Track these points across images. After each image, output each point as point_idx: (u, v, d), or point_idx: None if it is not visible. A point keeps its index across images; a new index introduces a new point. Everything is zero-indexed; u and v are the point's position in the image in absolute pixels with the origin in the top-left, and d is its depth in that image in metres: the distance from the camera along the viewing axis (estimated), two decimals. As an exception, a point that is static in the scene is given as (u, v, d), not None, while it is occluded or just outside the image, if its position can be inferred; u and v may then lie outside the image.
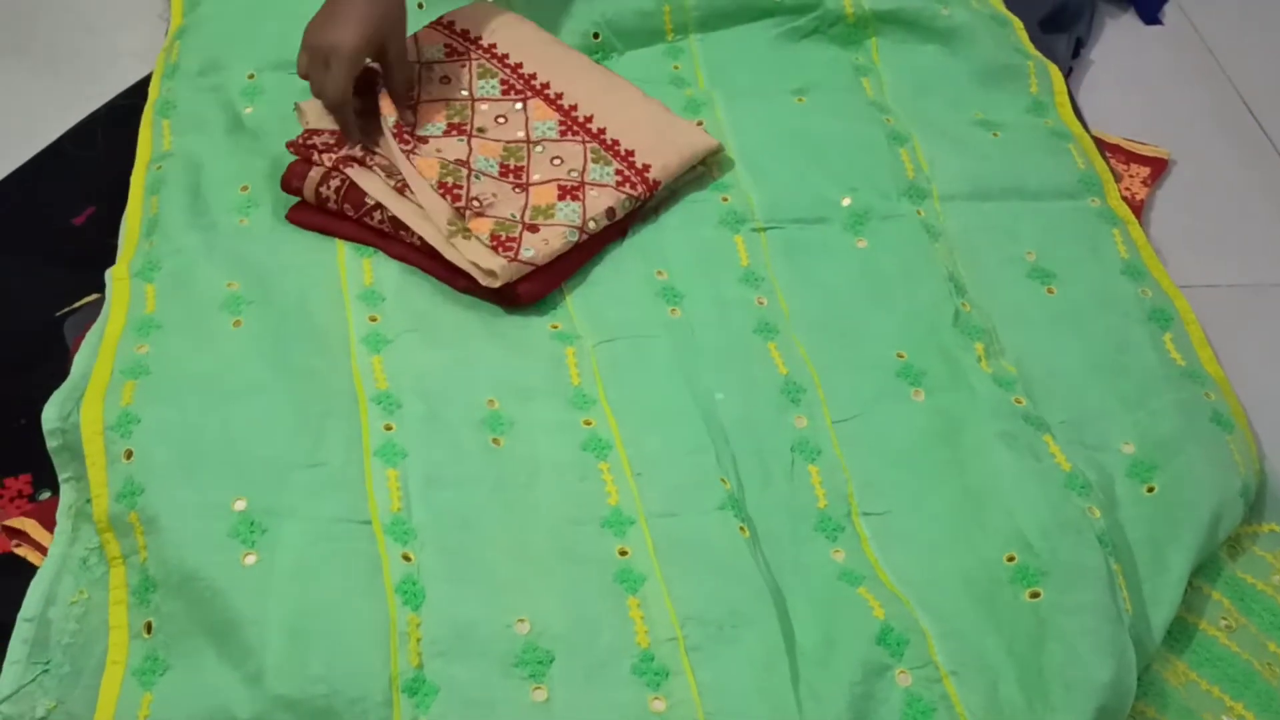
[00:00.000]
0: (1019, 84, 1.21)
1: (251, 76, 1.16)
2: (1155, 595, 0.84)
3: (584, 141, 1.07)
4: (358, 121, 1.03)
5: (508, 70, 1.13)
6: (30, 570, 0.83)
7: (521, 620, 0.77)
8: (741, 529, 0.83)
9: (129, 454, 0.83)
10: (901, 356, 0.96)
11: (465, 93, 1.11)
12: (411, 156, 1.02)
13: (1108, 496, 0.88)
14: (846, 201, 1.08)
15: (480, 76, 1.13)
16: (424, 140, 1.06)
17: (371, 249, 1.01)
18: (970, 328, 0.98)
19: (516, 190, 1.03)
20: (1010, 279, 1.04)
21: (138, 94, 1.19)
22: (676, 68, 1.21)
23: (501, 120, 1.10)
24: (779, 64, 1.22)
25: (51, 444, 0.86)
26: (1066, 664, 0.77)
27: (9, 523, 0.87)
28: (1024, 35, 1.27)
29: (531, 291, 0.97)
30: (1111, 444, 0.92)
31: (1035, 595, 0.80)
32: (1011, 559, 0.82)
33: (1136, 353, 0.98)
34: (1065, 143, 1.16)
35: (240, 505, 0.80)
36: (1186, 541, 0.86)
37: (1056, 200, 1.10)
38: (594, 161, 1.05)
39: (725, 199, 1.08)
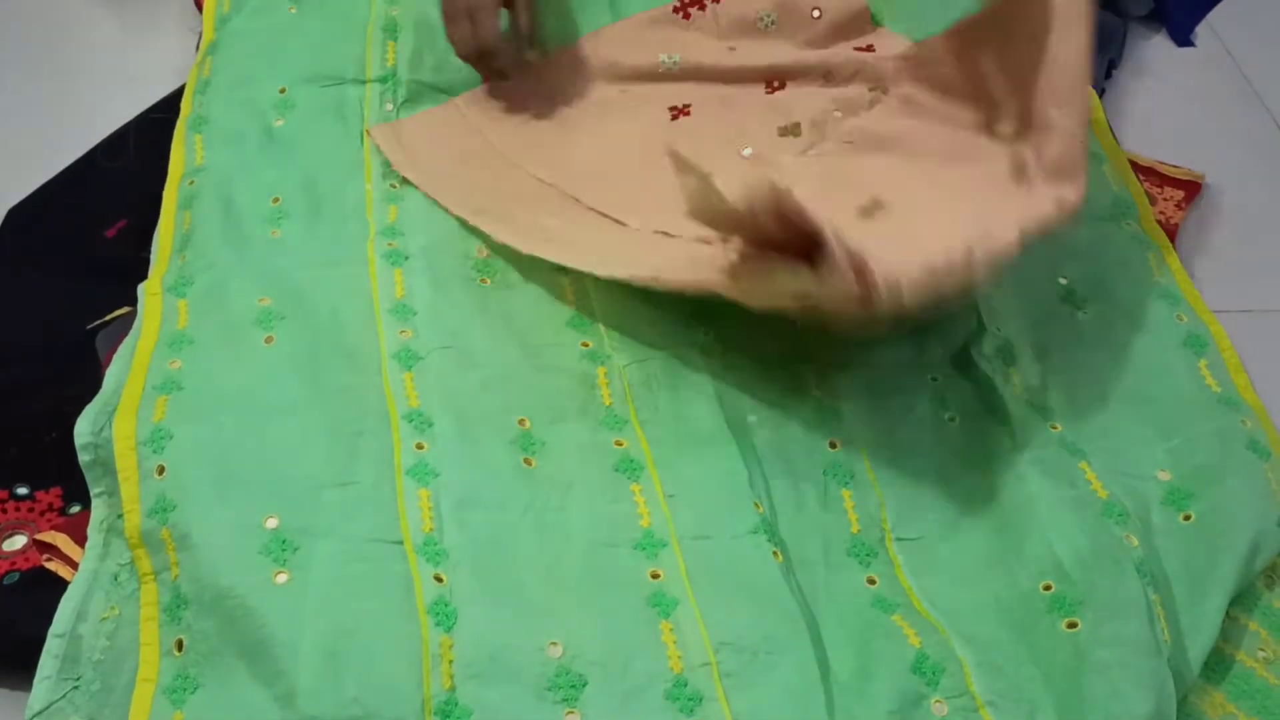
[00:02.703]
0: None
1: (283, 90, 1.16)
2: (1193, 625, 0.83)
3: None
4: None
5: None
6: (61, 585, 0.83)
7: (554, 643, 0.77)
8: (775, 553, 0.83)
9: (161, 470, 0.83)
10: (935, 380, 0.96)
11: None
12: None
13: (1144, 525, 0.87)
14: None
15: None
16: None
17: (404, 258, 1.01)
18: (1004, 352, 0.97)
19: None
20: (1044, 303, 1.03)
21: (169, 107, 1.20)
22: None
23: None
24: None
25: (84, 458, 0.86)
26: (1107, 698, 0.76)
27: (40, 537, 0.87)
28: None
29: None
30: (1147, 471, 0.91)
31: (1073, 625, 0.79)
32: (1048, 587, 0.82)
33: (1172, 379, 0.97)
34: (1099, 165, 1.15)
35: (272, 523, 0.80)
36: (1225, 571, 0.85)
37: (1090, 224, 1.09)
38: None
39: None
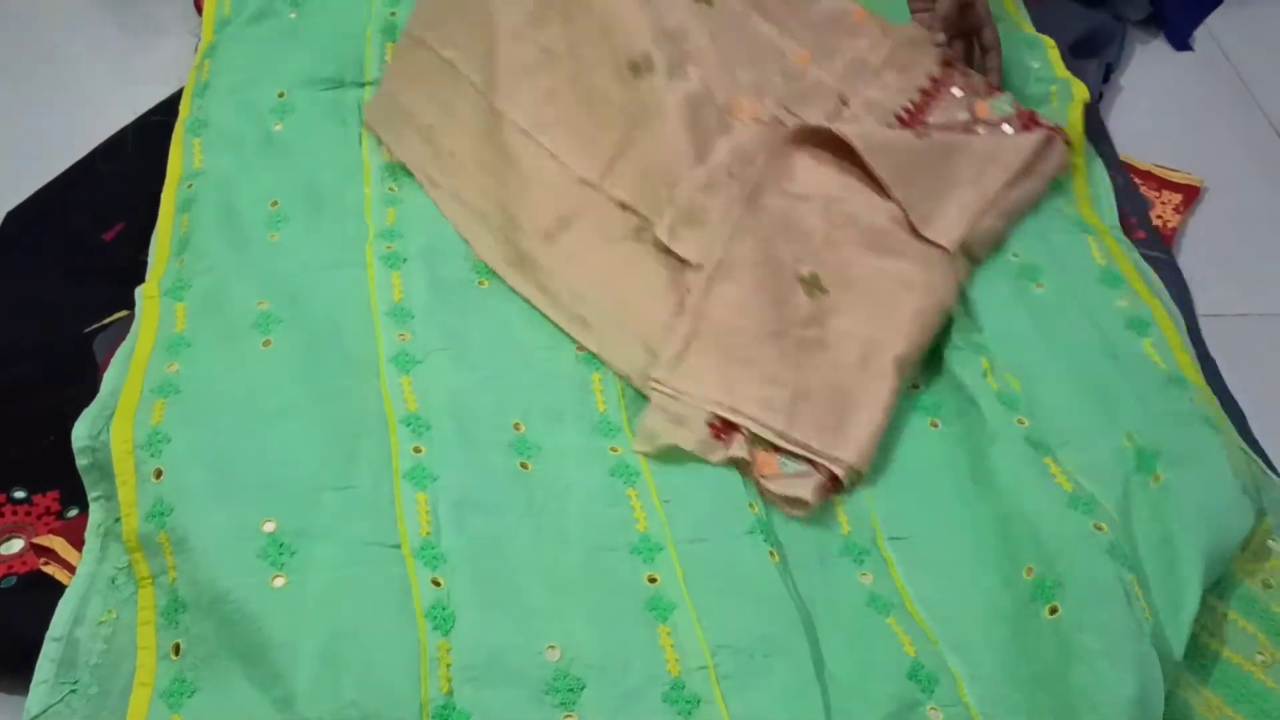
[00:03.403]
0: (1042, 110, 1.20)
1: (282, 94, 1.16)
2: (1172, 598, 0.83)
3: None
4: None
5: None
6: (58, 589, 0.83)
7: (552, 647, 0.77)
8: (771, 553, 0.83)
9: (159, 473, 0.83)
10: (916, 387, 0.97)
11: None
12: None
13: (1116, 506, 0.87)
14: None
15: None
16: None
17: (401, 260, 1.01)
18: (972, 342, 0.98)
19: None
20: (1001, 287, 1.03)
21: (168, 109, 1.20)
22: None
23: None
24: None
25: (81, 462, 0.86)
26: (1091, 686, 0.76)
27: (37, 540, 0.87)
28: (1055, 54, 1.25)
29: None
30: (1111, 454, 0.90)
31: (1054, 611, 0.80)
32: (1030, 571, 0.82)
33: (1121, 364, 0.97)
34: None
35: (270, 527, 0.80)
36: (1197, 538, 0.84)
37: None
38: None
39: None
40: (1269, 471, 0.95)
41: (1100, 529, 0.83)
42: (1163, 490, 0.87)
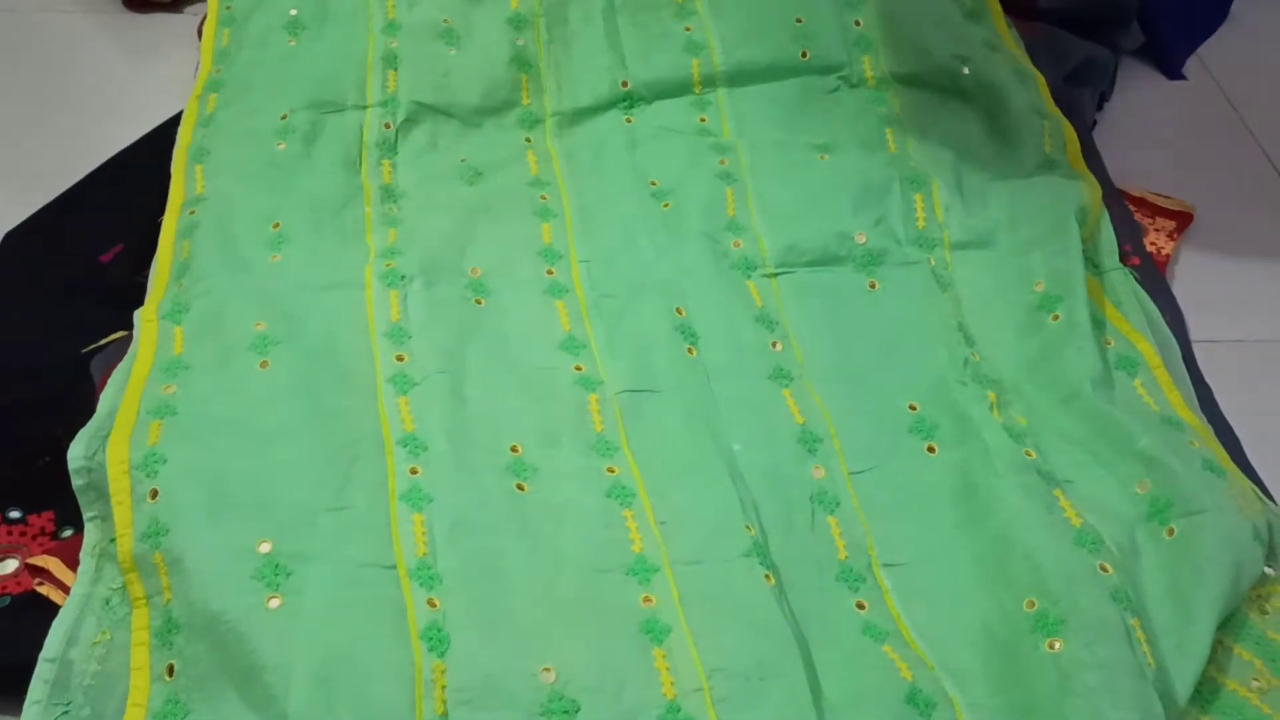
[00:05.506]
0: (1034, 142, 1.21)
1: (284, 117, 1.17)
2: (1181, 648, 0.83)
3: None
4: None
5: None
6: (52, 609, 0.83)
7: (547, 669, 0.76)
8: (767, 576, 0.83)
9: (154, 494, 0.83)
10: (914, 409, 0.97)
11: None
12: None
13: (1126, 549, 0.87)
14: (861, 239, 1.08)
15: None
16: None
17: (399, 277, 1.01)
18: (980, 377, 0.98)
19: None
20: (1015, 327, 1.03)
21: (167, 132, 1.20)
22: (703, 120, 1.22)
23: None
24: (804, 116, 1.22)
25: (77, 482, 0.86)
26: None
27: (32, 560, 0.86)
28: (1045, 91, 1.26)
29: None
30: (1124, 491, 0.91)
31: (1055, 646, 0.79)
32: (1031, 605, 0.82)
33: (1122, 403, 0.97)
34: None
35: (265, 548, 0.80)
36: (1212, 591, 0.85)
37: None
38: None
39: (737, 244, 1.08)
40: (1269, 501, 0.95)
41: (1105, 570, 0.83)
42: (1177, 543, 0.87)
